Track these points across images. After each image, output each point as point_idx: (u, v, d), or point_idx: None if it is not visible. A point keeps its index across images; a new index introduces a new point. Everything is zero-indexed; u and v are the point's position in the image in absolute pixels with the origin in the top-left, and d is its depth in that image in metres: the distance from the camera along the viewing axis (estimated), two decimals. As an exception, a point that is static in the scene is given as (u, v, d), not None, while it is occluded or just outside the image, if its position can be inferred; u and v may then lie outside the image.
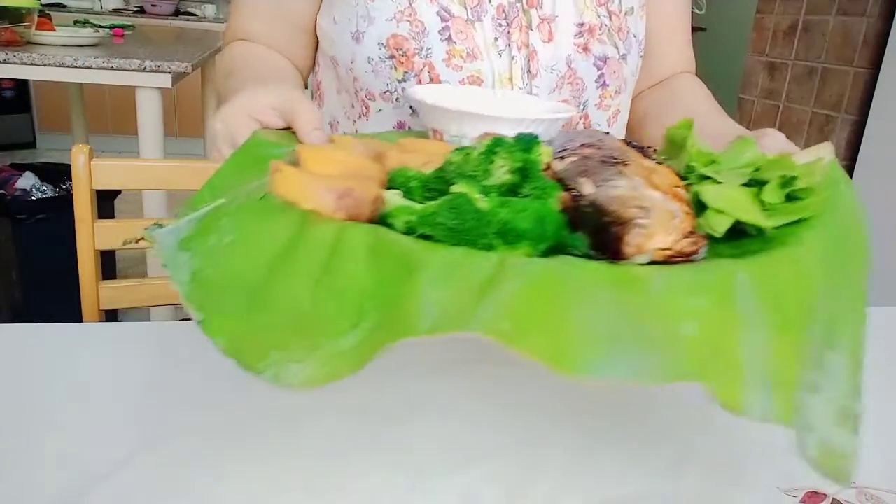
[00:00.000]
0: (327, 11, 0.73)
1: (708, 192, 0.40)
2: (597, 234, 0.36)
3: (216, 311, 0.34)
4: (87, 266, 0.91)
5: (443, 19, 0.67)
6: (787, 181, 0.41)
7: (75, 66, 1.74)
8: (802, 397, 0.31)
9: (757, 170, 0.43)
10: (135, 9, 4.19)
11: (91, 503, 0.41)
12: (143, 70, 1.76)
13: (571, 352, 0.28)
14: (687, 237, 0.36)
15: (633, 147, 0.53)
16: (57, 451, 0.46)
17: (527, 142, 0.40)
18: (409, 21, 0.67)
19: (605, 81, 0.74)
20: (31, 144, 4.40)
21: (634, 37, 0.75)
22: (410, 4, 0.67)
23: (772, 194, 0.40)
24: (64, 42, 1.97)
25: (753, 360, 0.31)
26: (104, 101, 4.07)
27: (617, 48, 0.73)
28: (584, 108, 0.74)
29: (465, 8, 0.68)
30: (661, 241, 0.35)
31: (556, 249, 0.36)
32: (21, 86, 4.21)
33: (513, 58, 0.69)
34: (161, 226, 0.41)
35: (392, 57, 0.68)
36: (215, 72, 0.71)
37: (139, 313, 2.04)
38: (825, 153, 0.48)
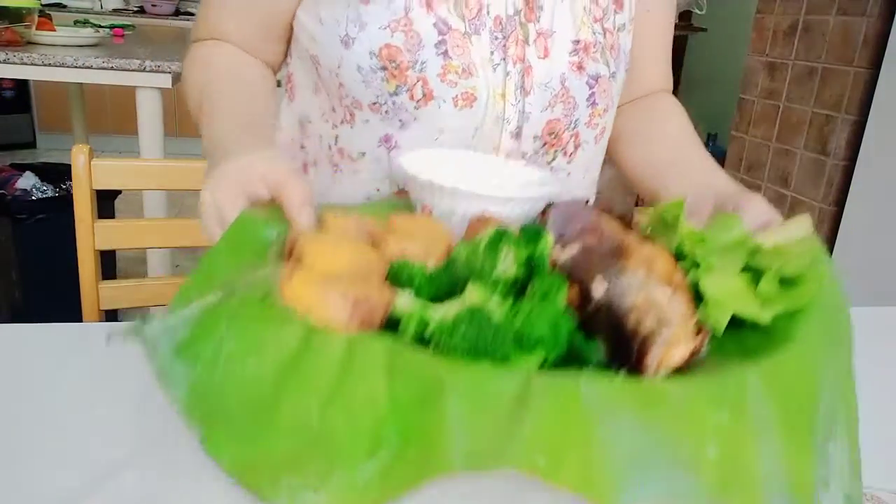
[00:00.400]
0: (311, 8, 0.69)
1: (709, 286, 0.40)
2: (614, 343, 0.35)
3: (219, 429, 0.32)
4: (86, 266, 0.91)
5: (440, 32, 0.65)
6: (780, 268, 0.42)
7: (75, 66, 1.74)
8: (817, 495, 0.32)
9: (753, 254, 0.44)
10: (135, 9, 4.19)
11: (91, 503, 0.41)
12: (143, 70, 1.76)
13: (605, 482, 0.29)
14: (696, 334, 0.36)
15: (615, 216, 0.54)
16: (57, 451, 0.46)
17: (532, 234, 0.39)
18: (404, 32, 0.64)
19: (595, 100, 0.72)
20: (32, 144, 4.40)
21: (624, 54, 0.74)
22: (407, 14, 0.64)
23: (769, 284, 0.41)
24: (64, 42, 1.97)
25: (771, 471, 0.31)
26: (104, 101, 4.07)
27: (608, 66, 0.72)
28: (574, 127, 0.73)
29: (464, 20, 0.65)
30: (681, 353, 0.34)
31: (569, 354, 0.36)
32: (21, 86, 4.21)
33: (507, 73, 0.67)
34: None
35: (384, 68, 0.65)
36: (184, 77, 0.68)
37: (139, 313, 2.04)
38: (804, 227, 0.51)
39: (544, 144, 0.71)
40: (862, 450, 0.54)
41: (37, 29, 1.94)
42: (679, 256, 0.45)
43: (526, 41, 0.68)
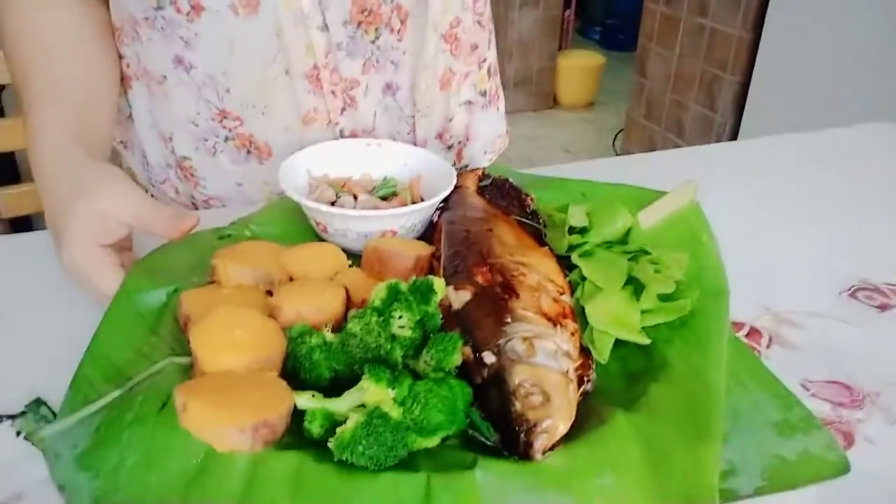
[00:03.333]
0: None
1: (593, 314, 0.45)
2: (504, 430, 0.38)
3: None
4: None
5: None
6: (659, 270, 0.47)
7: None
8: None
9: (633, 258, 0.49)
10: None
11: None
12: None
13: None
14: (579, 375, 0.40)
15: (512, 194, 0.58)
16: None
17: (423, 292, 0.41)
18: None
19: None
20: None
21: None
22: None
23: (648, 301, 0.46)
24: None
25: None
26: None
27: None
28: (392, 1, 0.62)
29: None
30: (563, 429, 0.37)
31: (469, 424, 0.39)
32: None
33: None
34: (43, 411, 0.40)
35: None
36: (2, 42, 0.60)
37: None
38: (689, 192, 0.56)
39: (359, 25, 0.62)
40: (778, 277, 0.57)
41: None
42: (569, 258, 0.50)
43: None
